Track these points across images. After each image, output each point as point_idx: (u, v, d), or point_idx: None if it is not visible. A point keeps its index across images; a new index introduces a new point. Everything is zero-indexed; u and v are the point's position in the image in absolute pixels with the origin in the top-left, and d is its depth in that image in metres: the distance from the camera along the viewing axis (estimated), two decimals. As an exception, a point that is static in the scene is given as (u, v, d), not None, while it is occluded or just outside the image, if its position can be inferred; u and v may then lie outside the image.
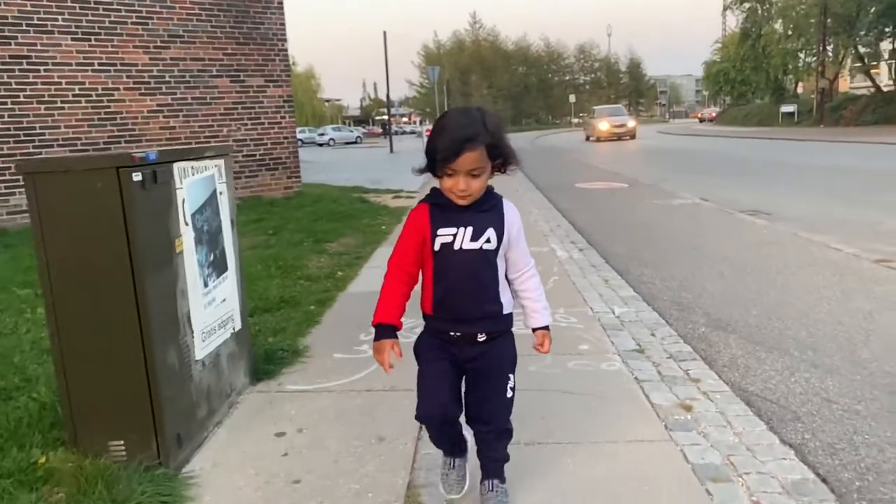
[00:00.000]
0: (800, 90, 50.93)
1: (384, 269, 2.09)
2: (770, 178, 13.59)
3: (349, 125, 77.37)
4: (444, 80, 35.58)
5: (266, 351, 3.54)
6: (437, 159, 1.91)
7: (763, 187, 11.80)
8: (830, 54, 37.98)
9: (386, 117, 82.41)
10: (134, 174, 2.24)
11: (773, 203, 9.51)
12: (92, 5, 9.61)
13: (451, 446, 2.22)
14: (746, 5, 45.36)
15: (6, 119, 9.06)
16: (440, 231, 1.99)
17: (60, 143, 9.48)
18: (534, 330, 2.18)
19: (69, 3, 9.43)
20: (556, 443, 2.58)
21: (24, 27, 9.12)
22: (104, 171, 2.21)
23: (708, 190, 11.28)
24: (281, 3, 11.56)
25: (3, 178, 9.05)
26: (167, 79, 10.44)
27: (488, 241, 2.00)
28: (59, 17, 9.37)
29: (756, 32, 43.63)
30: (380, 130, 68.42)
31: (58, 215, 2.26)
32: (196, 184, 2.71)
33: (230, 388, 3.01)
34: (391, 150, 31.24)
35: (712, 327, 4.13)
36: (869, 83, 38.12)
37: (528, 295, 2.14)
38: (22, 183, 2.25)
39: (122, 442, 2.37)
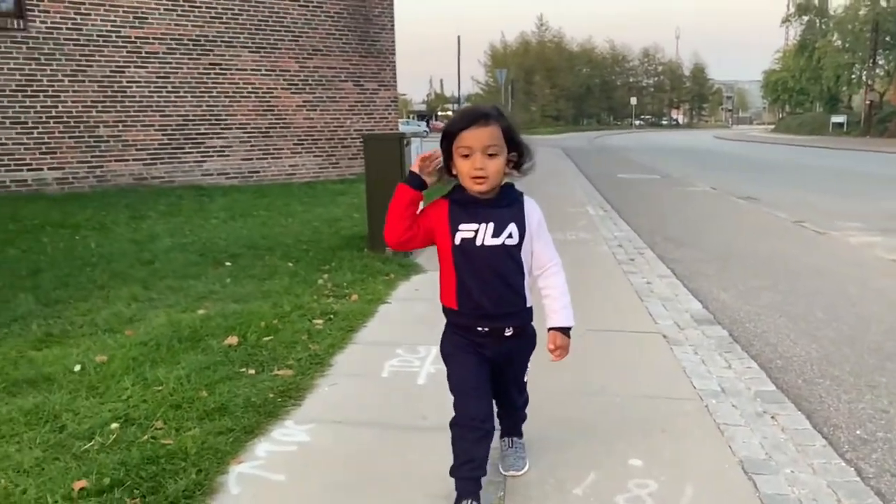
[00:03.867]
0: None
1: None
2: (780, 176, 16.49)
3: (414, 118, 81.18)
4: (509, 80, 38.58)
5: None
6: (453, 132, 1.95)
7: (769, 182, 14.77)
8: (882, 69, 39.72)
9: (449, 113, 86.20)
10: (404, 141, 5.71)
11: (766, 192, 12.47)
12: (262, 27, 13.32)
13: (481, 460, 2.05)
14: (805, 18, 47.22)
15: (204, 108, 12.82)
16: (461, 227, 1.99)
17: (238, 126, 13.21)
18: (549, 329, 2.09)
19: (248, 26, 13.15)
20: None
21: (218, 43, 12.87)
22: (396, 140, 5.70)
23: (723, 182, 14.31)
24: (393, 25, 15.11)
25: (201, 149, 12.79)
26: (309, 82, 14.10)
27: (510, 236, 1.99)
28: (241, 35, 13.10)
29: (812, 44, 45.38)
30: (442, 125, 71.70)
31: (374, 156, 5.77)
32: (414, 146, 6.18)
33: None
34: (459, 144, 34.53)
35: (663, 239, 7.45)
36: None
37: (549, 293, 2.10)
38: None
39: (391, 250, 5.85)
